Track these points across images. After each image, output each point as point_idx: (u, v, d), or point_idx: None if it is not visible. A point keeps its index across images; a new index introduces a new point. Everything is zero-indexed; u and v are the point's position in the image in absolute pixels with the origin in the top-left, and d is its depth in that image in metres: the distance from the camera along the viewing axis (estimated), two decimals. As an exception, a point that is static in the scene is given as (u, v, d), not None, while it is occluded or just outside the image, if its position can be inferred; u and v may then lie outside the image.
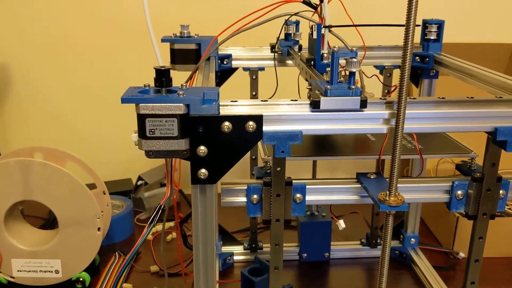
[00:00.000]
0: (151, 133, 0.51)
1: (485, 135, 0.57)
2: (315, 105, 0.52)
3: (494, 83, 0.67)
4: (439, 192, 0.61)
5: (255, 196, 0.58)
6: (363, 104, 0.52)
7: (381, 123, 0.53)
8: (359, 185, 0.60)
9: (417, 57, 0.89)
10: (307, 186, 0.59)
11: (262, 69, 0.91)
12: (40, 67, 1.27)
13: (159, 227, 1.11)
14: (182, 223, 0.86)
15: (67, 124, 1.32)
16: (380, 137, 0.70)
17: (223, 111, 0.51)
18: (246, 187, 0.59)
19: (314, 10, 0.73)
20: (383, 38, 1.00)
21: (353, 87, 0.52)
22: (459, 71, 0.77)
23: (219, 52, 0.88)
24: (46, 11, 1.23)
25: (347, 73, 0.53)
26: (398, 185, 0.58)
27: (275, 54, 0.88)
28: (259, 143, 0.66)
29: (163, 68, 0.52)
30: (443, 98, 0.54)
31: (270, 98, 0.87)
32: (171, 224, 1.14)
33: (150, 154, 0.55)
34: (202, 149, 0.51)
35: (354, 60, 0.52)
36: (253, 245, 1.01)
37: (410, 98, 0.53)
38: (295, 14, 0.72)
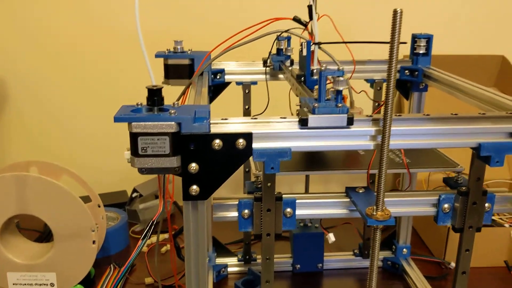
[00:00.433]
0: (143, 151, 0.52)
1: (470, 149, 0.58)
2: (303, 123, 0.53)
3: (481, 97, 0.68)
4: (426, 206, 0.62)
5: (246, 211, 0.59)
6: (350, 121, 0.53)
7: (368, 140, 0.55)
8: (348, 199, 0.62)
9: (407, 71, 0.91)
10: (297, 201, 0.60)
11: (254, 83, 0.93)
12: (37, 82, 1.28)
13: (153, 239, 1.12)
14: (176, 236, 0.86)
15: (62, 137, 1.33)
16: (369, 151, 0.72)
17: (214, 129, 0.52)
18: (237, 202, 0.60)
19: (304, 27, 0.74)
20: (374, 52, 1.02)
21: (340, 105, 0.53)
22: (447, 85, 0.79)
23: (212, 67, 0.90)
24: (45, 29, 1.24)
25: (335, 90, 0.55)
26: (386, 199, 0.59)
27: (267, 68, 0.90)
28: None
29: (155, 88, 0.53)
30: (428, 115, 0.55)
31: (262, 112, 0.89)
32: (166, 236, 1.15)
33: (142, 170, 0.56)
34: (194, 166, 0.52)
35: (341, 78, 0.54)
36: (247, 257, 1.02)
37: (396, 115, 0.55)
38: (286, 31, 0.74)
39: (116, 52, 1.26)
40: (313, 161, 0.70)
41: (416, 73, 0.90)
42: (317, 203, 0.61)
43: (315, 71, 0.69)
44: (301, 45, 0.71)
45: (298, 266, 1.02)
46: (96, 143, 1.34)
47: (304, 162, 0.70)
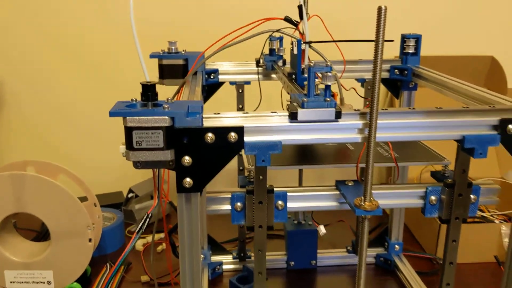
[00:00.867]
0: (138, 144, 0.54)
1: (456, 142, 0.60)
2: (293, 117, 0.55)
3: (468, 94, 0.70)
4: (414, 198, 0.64)
5: (238, 204, 0.61)
6: (338, 115, 0.55)
7: (355, 133, 0.57)
8: (338, 192, 0.63)
9: (396, 70, 0.93)
10: (288, 194, 0.62)
11: (248, 83, 0.95)
12: (34, 84, 1.30)
13: (149, 238, 1.13)
14: (171, 233, 0.88)
15: (59, 139, 1.34)
16: (359, 147, 0.74)
17: (207, 123, 0.54)
18: (230, 196, 0.61)
19: (295, 27, 0.76)
20: (366, 52, 1.04)
21: (328, 99, 0.55)
22: (436, 83, 0.81)
23: (206, 67, 0.92)
24: (38, 31, 1.26)
25: (324, 86, 0.57)
26: (375, 191, 0.61)
27: (260, 68, 0.92)
28: (244, 154, 0.70)
29: (149, 84, 0.55)
30: (413, 108, 0.57)
31: (254, 110, 0.91)
32: (161, 235, 1.16)
33: (137, 165, 0.58)
34: (187, 159, 0.54)
35: (329, 74, 0.56)
36: (242, 254, 1.04)
37: (382, 109, 0.57)
38: (277, 30, 0.76)
39: (113, 54, 1.27)
40: (305, 156, 0.72)
41: (406, 72, 0.92)
42: (308, 196, 0.63)
43: (305, 69, 0.71)
44: (292, 44, 0.73)
45: (292, 263, 1.03)
46: (92, 145, 1.35)
47: (296, 158, 0.72)
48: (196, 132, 0.53)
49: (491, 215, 1.15)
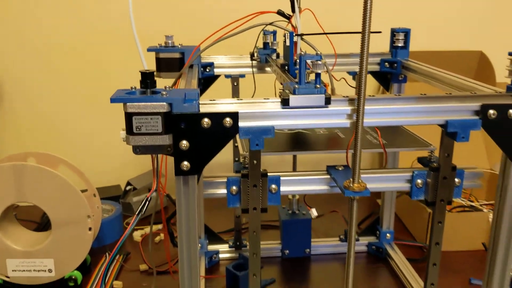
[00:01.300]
0: (137, 129, 0.57)
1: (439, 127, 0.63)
2: (284, 103, 0.58)
3: (455, 84, 0.74)
4: (401, 182, 0.67)
5: (234, 188, 0.64)
6: (327, 101, 0.58)
7: (344, 118, 0.60)
8: (329, 176, 0.66)
9: (386, 63, 0.96)
10: (281, 178, 0.65)
11: (242, 76, 0.97)
12: (32, 77, 1.32)
13: (147, 229, 1.16)
14: (169, 220, 0.91)
15: (58, 132, 1.37)
16: (349, 135, 0.77)
17: (203, 109, 0.57)
18: (226, 180, 0.64)
19: (287, 20, 0.79)
20: (357, 46, 1.07)
21: (318, 86, 0.58)
22: (424, 75, 0.84)
23: (202, 60, 0.94)
24: (38, 22, 1.28)
25: (314, 74, 0.60)
26: (365, 175, 0.64)
27: (254, 62, 0.95)
28: (239, 141, 0.73)
29: (147, 71, 0.58)
30: (399, 95, 0.60)
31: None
32: (159, 226, 1.19)
33: (137, 150, 0.61)
34: (184, 143, 0.57)
35: (319, 62, 0.59)
36: (238, 243, 1.07)
37: (369, 96, 0.60)
38: (270, 24, 0.79)
39: (108, 49, 1.30)
40: (298, 144, 0.75)
41: (395, 65, 0.95)
42: (300, 180, 0.66)
43: (297, 60, 0.74)
44: (284, 36, 0.76)
45: (287, 251, 1.06)
46: (90, 140, 1.38)
47: (289, 145, 0.75)
48: (193, 117, 0.56)
49: (480, 205, 1.19)
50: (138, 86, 0.59)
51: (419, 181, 0.66)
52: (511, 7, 1.41)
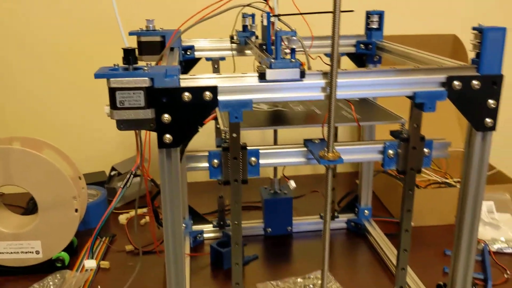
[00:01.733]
0: (121, 104, 0.59)
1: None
2: (261, 77, 0.61)
3: (427, 62, 0.77)
4: (374, 153, 0.71)
5: (215, 161, 0.66)
6: (302, 74, 0.61)
7: (319, 91, 0.63)
8: (306, 149, 0.70)
9: (362, 45, 1.00)
10: (260, 151, 0.68)
11: (223, 58, 1.00)
12: (16, 62, 1.32)
13: (132, 213, 1.18)
14: (153, 199, 0.93)
15: (42, 119, 1.37)
16: (324, 110, 0.80)
17: (183, 84, 0.60)
18: (207, 154, 0.67)
19: (265, 2, 0.82)
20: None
21: (293, 60, 0.61)
22: (398, 55, 0.88)
23: (183, 44, 0.97)
24: (22, 9, 1.29)
25: (290, 49, 0.63)
26: (340, 147, 0.68)
27: (234, 44, 0.97)
28: (219, 118, 0.75)
29: (129, 48, 0.60)
30: (370, 69, 0.64)
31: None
32: (144, 210, 1.21)
33: (121, 126, 0.63)
34: (166, 117, 0.59)
35: (294, 38, 0.62)
36: (221, 223, 1.10)
37: (342, 69, 0.63)
38: (248, 5, 0.81)
39: (91, 35, 1.31)
40: (277, 120, 0.78)
41: (370, 46, 0.98)
42: (279, 152, 0.69)
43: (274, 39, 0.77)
44: (262, 16, 0.78)
45: (270, 229, 1.10)
46: (74, 126, 1.39)
47: (269, 121, 0.78)
48: (174, 91, 0.59)
49: (454, 181, 1.24)
50: (121, 64, 0.62)
51: (390, 151, 0.70)
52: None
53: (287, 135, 0.90)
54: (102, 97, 1.25)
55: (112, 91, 0.59)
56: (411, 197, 0.71)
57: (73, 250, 1.01)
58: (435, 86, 0.64)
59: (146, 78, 0.58)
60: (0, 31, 1.30)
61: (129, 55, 0.60)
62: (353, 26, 0.97)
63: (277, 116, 0.79)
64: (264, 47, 0.78)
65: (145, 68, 0.59)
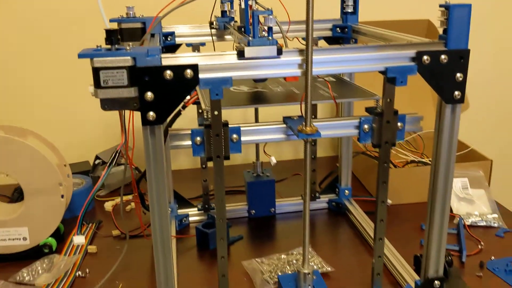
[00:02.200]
0: (104, 83, 0.61)
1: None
2: (240, 54, 0.63)
3: (400, 41, 0.80)
4: (350, 128, 0.74)
5: (198, 138, 0.69)
6: (279, 51, 0.64)
7: (296, 68, 0.66)
8: (285, 126, 0.72)
9: (338, 28, 1.03)
10: (242, 128, 0.70)
11: (203, 44, 1.02)
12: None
13: (117, 199, 1.20)
14: (139, 182, 0.95)
15: (25, 108, 1.38)
16: (303, 90, 0.83)
17: (165, 62, 0.62)
18: (190, 132, 0.69)
19: (242, -14, 0.84)
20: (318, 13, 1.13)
21: (270, 38, 0.64)
22: (373, 37, 0.91)
23: (163, 30, 0.99)
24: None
25: (267, 28, 0.65)
26: (318, 123, 0.71)
27: (214, 30, 1.00)
28: (201, 98, 0.78)
29: (111, 29, 0.62)
30: (344, 46, 0.67)
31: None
32: (130, 197, 1.23)
33: (105, 106, 0.65)
34: (149, 94, 0.61)
35: (271, 17, 0.64)
36: (206, 206, 1.12)
37: (317, 47, 0.66)
38: (226, -11, 0.83)
39: (73, 22, 1.32)
40: (258, 100, 0.81)
41: (346, 30, 1.02)
42: (259, 129, 0.72)
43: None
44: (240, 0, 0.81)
45: (253, 211, 1.12)
46: (57, 115, 1.39)
47: (250, 101, 0.80)
48: (156, 70, 0.61)
49: (429, 160, 1.28)
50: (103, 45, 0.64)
51: (365, 126, 0.73)
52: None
53: (267, 114, 0.93)
54: (85, 85, 1.26)
55: (96, 71, 0.60)
56: (386, 170, 0.74)
57: (60, 236, 1.03)
58: (406, 61, 0.67)
59: (129, 57, 0.60)
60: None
61: (111, 36, 0.62)
62: (327, 10, 1.00)
63: (257, 97, 0.82)
64: (243, 29, 0.81)
65: (128, 48, 0.61)
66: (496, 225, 1.06)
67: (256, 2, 0.81)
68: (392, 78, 0.67)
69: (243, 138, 0.71)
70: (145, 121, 0.63)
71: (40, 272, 0.91)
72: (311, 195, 1.15)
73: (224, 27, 0.97)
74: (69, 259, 0.94)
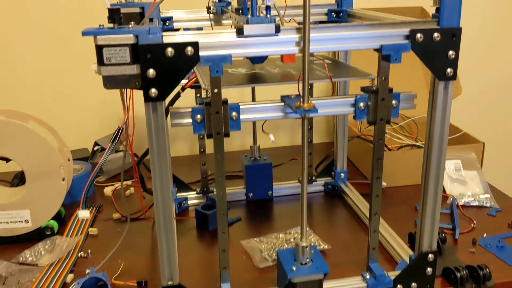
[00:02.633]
0: (108, 60, 0.62)
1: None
2: (239, 32, 0.65)
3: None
4: (346, 106, 0.76)
5: (198, 116, 0.70)
6: (277, 29, 0.66)
7: (293, 46, 0.68)
8: (283, 104, 0.74)
9: (333, 13, 1.05)
10: (241, 107, 0.72)
11: (200, 28, 1.04)
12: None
13: (117, 184, 1.21)
14: (139, 163, 0.97)
15: (24, 95, 1.39)
16: (300, 71, 0.85)
17: (166, 40, 0.64)
18: (190, 110, 0.71)
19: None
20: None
21: (268, 16, 0.65)
22: (368, 20, 0.93)
23: (161, 15, 1.00)
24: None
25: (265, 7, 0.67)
26: (315, 101, 0.72)
27: (211, 14, 1.01)
28: (200, 78, 0.79)
29: (114, 8, 0.64)
30: (340, 24, 0.69)
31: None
32: (129, 182, 1.24)
33: (107, 85, 0.67)
34: (151, 71, 0.63)
35: (268, -4, 0.66)
36: (205, 189, 1.14)
37: (314, 25, 0.68)
38: (223, -27, 0.85)
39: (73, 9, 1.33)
40: (255, 80, 0.83)
41: (341, 14, 1.04)
42: (258, 108, 0.74)
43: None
44: (237, -18, 0.82)
45: (251, 194, 1.15)
46: (56, 102, 1.40)
47: (248, 81, 0.82)
48: (158, 47, 0.63)
49: (423, 144, 1.30)
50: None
51: (361, 104, 0.75)
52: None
53: (264, 95, 0.94)
54: (84, 72, 1.28)
55: (99, 48, 0.62)
56: (381, 147, 0.76)
57: (61, 220, 1.04)
58: (400, 39, 0.69)
59: (131, 35, 0.62)
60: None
61: (114, 15, 0.63)
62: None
63: (255, 77, 0.84)
64: (241, 11, 0.82)
65: (130, 26, 0.63)
66: (488, 205, 1.09)
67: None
68: (386, 56, 0.69)
69: (242, 116, 0.72)
70: (147, 98, 0.64)
71: (42, 253, 0.93)
72: (307, 178, 1.17)
73: (222, 11, 0.98)
74: (71, 240, 0.96)
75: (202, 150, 1.12)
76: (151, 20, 0.93)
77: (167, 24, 1.01)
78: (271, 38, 0.66)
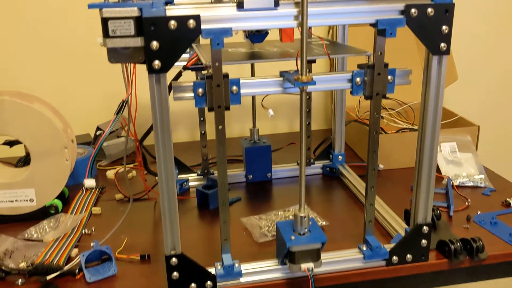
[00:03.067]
0: (113, 32, 0.65)
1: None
2: (239, 5, 0.67)
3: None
4: (343, 82, 0.78)
5: (200, 90, 0.73)
6: (276, 3, 0.68)
7: (292, 20, 0.70)
8: (282, 79, 0.77)
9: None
10: (241, 81, 0.74)
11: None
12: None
13: (120, 167, 1.24)
14: (142, 141, 0.99)
15: (26, 83, 1.41)
16: (298, 49, 0.87)
17: (169, 13, 0.66)
18: (192, 84, 0.73)
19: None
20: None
21: (263, -9, 0.68)
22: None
23: None
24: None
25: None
26: (314, 77, 0.75)
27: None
28: (200, 56, 0.82)
29: (119, -18, 0.66)
30: (336, -1, 0.71)
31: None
32: (131, 165, 1.26)
33: (112, 59, 0.69)
34: (155, 44, 0.65)
35: (268, -29, 0.68)
36: (205, 171, 1.16)
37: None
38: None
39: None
40: (255, 57, 0.85)
41: None
42: (258, 82, 0.76)
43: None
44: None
45: (251, 176, 1.17)
46: (57, 89, 1.43)
47: (248, 58, 0.85)
48: (161, 20, 0.65)
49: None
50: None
51: (358, 79, 0.77)
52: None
53: (263, 73, 0.97)
54: (85, 60, 1.30)
55: (105, 21, 0.64)
56: (377, 120, 0.78)
57: (65, 199, 1.07)
58: (395, 14, 0.72)
59: (135, 8, 0.64)
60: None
61: (118, -12, 0.66)
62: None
63: (255, 55, 0.86)
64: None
65: (134, 0, 0.65)
66: (482, 185, 1.11)
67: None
68: (382, 30, 0.72)
69: (242, 91, 0.75)
70: (151, 70, 0.67)
71: (47, 230, 0.95)
72: (306, 160, 1.19)
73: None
74: (75, 217, 0.98)
75: (203, 132, 1.15)
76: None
77: None
78: (270, 12, 0.69)
